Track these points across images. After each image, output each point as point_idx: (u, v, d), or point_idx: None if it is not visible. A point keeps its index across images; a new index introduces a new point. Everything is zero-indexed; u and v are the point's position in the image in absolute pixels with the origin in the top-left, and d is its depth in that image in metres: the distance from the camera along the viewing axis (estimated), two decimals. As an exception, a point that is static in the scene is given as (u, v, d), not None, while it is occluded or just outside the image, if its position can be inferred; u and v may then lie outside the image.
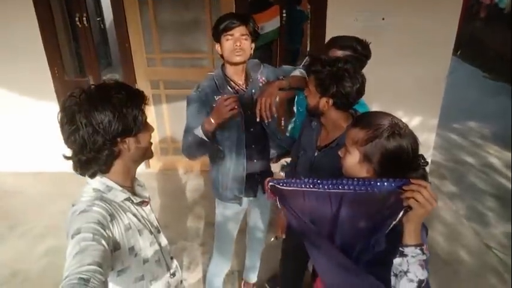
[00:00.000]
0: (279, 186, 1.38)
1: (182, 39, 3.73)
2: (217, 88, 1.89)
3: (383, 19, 3.41)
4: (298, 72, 1.98)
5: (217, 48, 1.88)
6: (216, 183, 2.08)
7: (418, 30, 3.43)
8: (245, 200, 2.13)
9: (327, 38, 3.40)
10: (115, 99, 1.07)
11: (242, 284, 2.71)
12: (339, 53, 1.96)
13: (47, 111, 3.86)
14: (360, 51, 2.01)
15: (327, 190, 1.23)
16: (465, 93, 6.35)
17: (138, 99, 1.14)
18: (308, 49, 3.76)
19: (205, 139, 1.77)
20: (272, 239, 2.19)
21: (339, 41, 2.02)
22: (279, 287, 2.49)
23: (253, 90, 1.93)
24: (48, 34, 3.58)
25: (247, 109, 1.89)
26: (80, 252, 0.94)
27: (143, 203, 1.28)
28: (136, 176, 1.31)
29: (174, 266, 1.45)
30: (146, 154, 1.22)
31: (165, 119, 3.95)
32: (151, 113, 3.87)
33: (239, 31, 1.79)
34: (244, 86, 1.94)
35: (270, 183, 1.40)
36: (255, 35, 1.86)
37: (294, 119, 2.50)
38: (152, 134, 1.24)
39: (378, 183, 1.11)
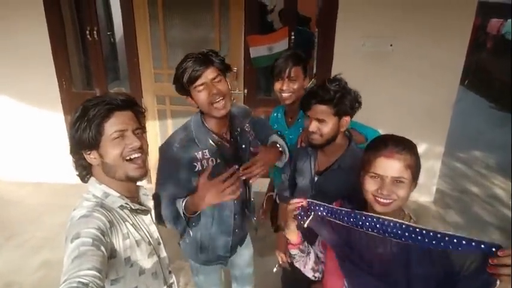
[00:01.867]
0: (318, 213, 1.25)
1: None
2: (196, 144, 1.56)
3: (391, 45, 3.43)
4: (276, 140, 1.74)
5: (189, 101, 1.55)
6: (193, 245, 1.79)
7: (426, 57, 3.44)
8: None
9: (335, 62, 3.47)
10: (90, 113, 1.11)
11: None
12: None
13: (52, 122, 3.88)
14: None
15: (391, 239, 1.08)
16: (471, 122, 6.33)
17: (102, 117, 1.12)
18: (314, 71, 3.76)
19: (184, 218, 1.50)
20: (274, 269, 2.01)
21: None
22: None
23: (243, 146, 1.67)
24: (58, 45, 3.63)
25: (229, 161, 1.60)
26: (78, 256, 0.94)
27: (143, 211, 1.27)
28: (142, 187, 1.33)
29: (172, 280, 1.43)
30: (117, 172, 1.17)
31: (170, 134, 3.94)
32: (155, 128, 3.87)
33: (208, 75, 1.47)
34: (228, 137, 1.66)
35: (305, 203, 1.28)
36: (227, 69, 1.57)
37: None
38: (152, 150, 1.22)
39: (464, 242, 0.95)
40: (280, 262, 2.01)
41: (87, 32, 3.58)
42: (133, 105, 1.22)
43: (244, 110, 1.81)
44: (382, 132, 1.96)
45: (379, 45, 3.42)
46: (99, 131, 1.12)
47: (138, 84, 3.71)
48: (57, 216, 3.55)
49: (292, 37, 3.49)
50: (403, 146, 1.19)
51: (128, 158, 1.17)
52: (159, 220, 1.54)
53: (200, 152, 1.57)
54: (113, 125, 1.14)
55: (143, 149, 1.20)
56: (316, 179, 1.73)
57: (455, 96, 3.61)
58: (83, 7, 3.62)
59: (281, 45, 3.47)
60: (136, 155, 1.18)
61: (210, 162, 1.58)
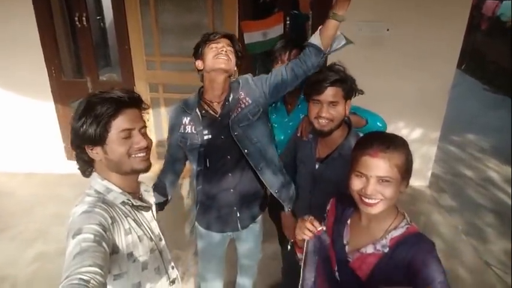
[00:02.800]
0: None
1: (183, 42, 3.67)
2: (183, 109, 1.77)
3: (387, 30, 3.38)
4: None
5: (197, 64, 1.73)
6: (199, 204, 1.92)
7: (423, 42, 3.40)
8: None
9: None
10: (98, 110, 1.10)
11: None
12: None
13: (42, 111, 3.81)
14: None
15: None
16: (465, 105, 6.33)
17: (110, 115, 1.11)
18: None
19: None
20: (289, 247, 2.04)
21: None
22: None
23: (230, 114, 1.72)
24: (47, 33, 3.52)
25: (219, 135, 1.74)
26: (80, 252, 0.93)
27: (144, 207, 1.27)
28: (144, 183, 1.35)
29: (175, 276, 1.43)
30: (122, 167, 1.17)
31: (163, 123, 3.89)
32: (148, 116, 3.80)
33: (225, 41, 1.69)
34: (219, 110, 1.74)
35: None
36: (239, 54, 1.74)
37: None
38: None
39: None
40: (292, 240, 1.99)
41: (76, 18, 3.48)
42: (139, 103, 1.21)
43: (235, 81, 1.81)
44: (379, 113, 1.96)
45: (376, 30, 3.37)
46: (106, 129, 1.11)
47: (130, 71, 3.63)
48: (49, 207, 3.52)
49: (287, 22, 3.42)
50: (390, 144, 1.14)
51: (133, 155, 1.17)
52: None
53: (187, 118, 1.76)
54: (121, 123, 1.13)
55: (148, 148, 1.21)
56: (317, 166, 1.72)
57: (452, 81, 3.59)
58: (70, -8, 3.50)
59: (276, 30, 3.40)
60: (142, 154, 1.19)
61: (191, 129, 1.75)
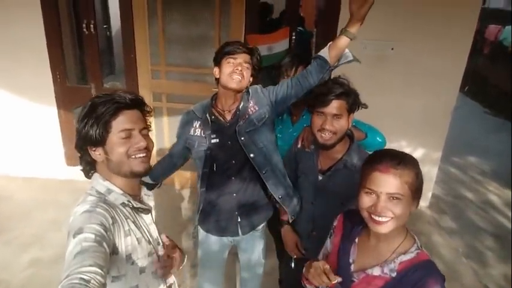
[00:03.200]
0: None
1: (188, 53, 3.70)
2: (195, 114, 1.85)
3: (392, 49, 3.40)
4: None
5: (214, 71, 1.81)
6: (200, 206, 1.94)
7: (427, 63, 3.42)
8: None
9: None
10: (98, 110, 1.12)
11: None
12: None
13: (44, 116, 3.81)
14: None
15: None
16: (466, 127, 6.34)
17: (110, 115, 1.13)
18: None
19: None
20: (292, 264, 1.97)
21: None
22: None
23: (239, 121, 1.79)
24: (53, 37, 3.55)
25: (227, 140, 1.81)
26: (81, 252, 0.94)
27: (144, 210, 1.28)
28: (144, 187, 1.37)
29: (172, 281, 1.41)
30: (122, 169, 1.18)
31: (165, 132, 3.88)
32: (151, 125, 3.80)
33: (243, 57, 1.74)
34: (229, 118, 1.82)
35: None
36: (257, 68, 1.80)
37: None
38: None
39: None
40: (295, 256, 1.94)
41: (84, 25, 3.50)
42: (141, 105, 1.22)
43: (251, 89, 1.87)
44: (382, 131, 1.96)
45: (381, 49, 3.40)
46: (106, 129, 1.13)
47: (134, 80, 3.64)
48: (47, 212, 3.49)
49: (293, 37, 3.45)
50: (400, 160, 1.12)
51: (133, 156, 1.18)
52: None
53: (197, 122, 1.83)
54: (120, 124, 1.14)
55: (148, 149, 1.22)
56: (320, 178, 1.72)
57: (454, 102, 3.60)
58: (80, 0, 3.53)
59: (282, 45, 3.43)
60: (141, 155, 1.19)
61: (200, 133, 1.82)
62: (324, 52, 1.72)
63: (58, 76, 3.66)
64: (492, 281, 3.10)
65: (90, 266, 0.90)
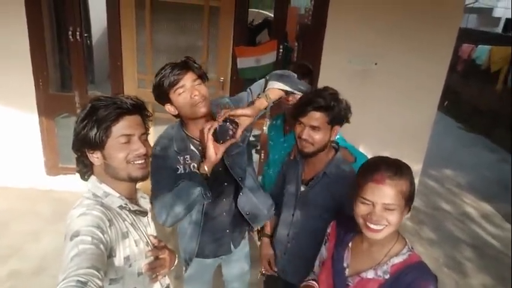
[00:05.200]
0: None
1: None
2: (177, 152, 1.62)
3: (375, 64, 3.51)
4: (268, 85, 1.68)
5: (168, 109, 1.58)
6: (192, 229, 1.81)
7: (408, 78, 3.55)
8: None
9: (321, 78, 3.51)
10: (99, 114, 1.11)
11: None
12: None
13: (25, 123, 3.70)
14: None
15: None
16: (442, 142, 6.55)
17: (111, 120, 1.12)
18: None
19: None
20: (258, 275, 2.03)
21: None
22: None
23: (221, 143, 1.61)
24: (37, 44, 3.48)
25: (216, 166, 1.59)
26: (78, 255, 0.93)
27: (141, 213, 1.27)
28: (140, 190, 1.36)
29: (168, 283, 1.43)
30: (119, 173, 1.17)
31: (151, 141, 3.83)
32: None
33: (189, 78, 1.52)
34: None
35: None
36: (205, 77, 1.60)
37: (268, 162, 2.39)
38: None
39: None
40: (264, 271, 1.97)
41: (70, 32, 3.45)
42: (142, 110, 1.21)
43: (221, 104, 1.70)
44: (364, 150, 1.98)
45: (365, 64, 3.50)
46: (106, 133, 1.12)
47: (120, 89, 3.59)
48: (24, 223, 3.37)
49: (281, 50, 3.50)
50: (396, 170, 1.14)
51: (132, 162, 1.17)
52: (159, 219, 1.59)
53: (181, 158, 1.63)
54: (120, 129, 1.14)
55: (147, 155, 1.21)
56: (302, 188, 1.73)
57: (434, 116, 3.73)
58: (65, 7, 3.48)
59: (269, 57, 3.48)
60: (140, 161, 1.18)
61: (191, 168, 1.63)
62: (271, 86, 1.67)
63: (40, 83, 3.58)
64: (472, 291, 3.19)
65: (88, 268, 0.90)
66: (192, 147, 1.64)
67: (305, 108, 1.58)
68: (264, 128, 2.96)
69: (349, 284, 1.26)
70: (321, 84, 3.13)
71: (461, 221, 4.32)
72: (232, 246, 1.90)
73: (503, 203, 4.71)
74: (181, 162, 1.63)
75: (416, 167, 3.88)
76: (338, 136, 2.04)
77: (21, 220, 3.39)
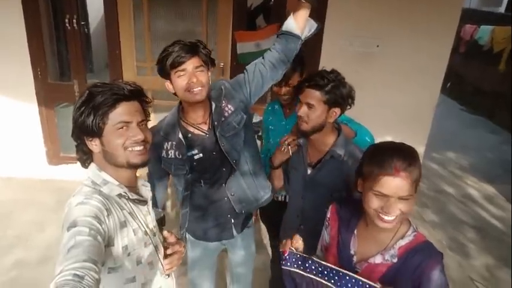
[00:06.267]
0: (292, 269, 1.24)
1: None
2: (163, 137, 1.64)
3: (377, 46, 3.46)
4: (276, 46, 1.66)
5: (167, 86, 1.58)
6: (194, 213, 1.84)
7: (411, 60, 3.50)
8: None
9: (322, 59, 3.47)
10: (96, 100, 1.09)
11: None
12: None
13: (25, 113, 3.69)
14: None
15: None
16: (444, 124, 6.52)
17: (108, 106, 1.10)
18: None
19: None
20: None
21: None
22: None
23: (221, 132, 1.64)
24: (34, 33, 3.46)
25: (211, 151, 1.66)
26: (75, 246, 0.92)
27: (140, 201, 1.25)
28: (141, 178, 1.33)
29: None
30: (118, 160, 1.15)
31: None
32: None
33: (192, 63, 1.50)
34: (206, 127, 1.66)
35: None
36: (211, 63, 1.59)
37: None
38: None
39: None
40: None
41: (67, 20, 3.40)
42: (140, 96, 1.19)
43: (217, 88, 1.68)
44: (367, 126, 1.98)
45: (366, 46, 3.45)
46: (103, 120, 1.10)
47: (119, 77, 3.57)
48: (28, 213, 3.40)
49: (281, 34, 3.45)
50: (410, 161, 1.10)
51: (130, 149, 1.15)
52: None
53: (168, 143, 1.65)
54: (118, 116, 1.11)
55: (146, 141, 1.19)
56: (309, 171, 1.74)
57: (437, 98, 3.70)
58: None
59: (269, 42, 3.42)
60: (138, 148, 1.16)
61: (175, 154, 1.65)
62: (290, 24, 1.64)
63: (39, 72, 3.55)
64: (475, 272, 3.20)
65: (84, 261, 0.89)
66: (179, 135, 1.63)
67: (303, 84, 1.61)
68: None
69: (358, 270, 1.25)
70: (321, 66, 3.11)
71: (463, 203, 4.32)
72: (234, 231, 1.90)
73: (506, 185, 4.71)
74: (165, 147, 1.66)
75: (419, 150, 3.80)
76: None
77: (24, 210, 3.41)
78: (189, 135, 1.65)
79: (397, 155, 1.11)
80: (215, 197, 1.79)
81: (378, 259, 1.21)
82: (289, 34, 1.64)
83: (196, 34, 3.50)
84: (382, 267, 1.21)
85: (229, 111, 1.66)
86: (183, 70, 1.50)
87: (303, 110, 1.60)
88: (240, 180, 1.77)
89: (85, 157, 1.20)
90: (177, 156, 1.65)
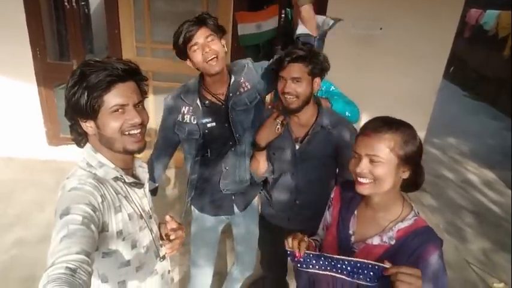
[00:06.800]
0: (303, 269, 1.21)
1: (175, 30, 3.61)
2: (182, 100, 1.72)
3: (381, 29, 3.41)
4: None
5: (188, 64, 1.66)
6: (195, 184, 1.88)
7: (414, 44, 3.46)
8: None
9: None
10: (90, 81, 1.03)
11: None
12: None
13: (25, 94, 3.68)
14: None
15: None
16: (446, 110, 6.50)
17: (102, 89, 1.04)
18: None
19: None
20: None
21: None
22: None
23: (234, 104, 1.71)
24: (33, 12, 3.41)
25: (223, 123, 1.72)
26: (68, 235, 0.89)
27: (136, 184, 1.21)
28: (139, 159, 1.30)
29: (164, 253, 1.37)
30: (114, 145, 1.11)
31: (151, 112, 3.81)
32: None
33: (202, 34, 1.56)
34: (223, 98, 1.72)
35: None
36: (221, 31, 1.63)
37: None
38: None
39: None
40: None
41: (66, 0, 3.36)
42: (135, 75, 1.12)
43: (239, 64, 1.77)
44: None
45: (369, 28, 3.40)
46: (98, 103, 1.04)
47: (118, 57, 3.53)
48: (28, 192, 3.42)
49: (283, 15, 3.41)
50: (389, 126, 1.11)
51: (127, 133, 1.10)
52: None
53: (185, 107, 1.72)
54: (113, 98, 1.05)
55: (143, 124, 1.14)
56: (297, 147, 1.73)
57: (440, 83, 3.67)
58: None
59: (270, 23, 3.39)
60: (135, 131, 1.12)
61: (190, 119, 1.72)
62: (301, 29, 1.71)
63: (38, 52, 3.52)
64: (471, 255, 3.23)
65: (77, 253, 0.86)
66: (198, 101, 1.70)
67: (283, 61, 1.59)
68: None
69: (355, 250, 1.26)
70: (323, 49, 3.07)
71: (463, 188, 4.34)
72: (236, 208, 1.92)
73: (506, 171, 4.71)
74: (182, 111, 1.72)
75: (420, 134, 3.79)
76: (328, 84, 2.04)
77: (24, 190, 3.43)
78: (207, 102, 1.72)
79: (376, 120, 1.15)
80: (217, 169, 1.82)
81: (375, 240, 1.21)
82: (302, 36, 1.71)
83: (196, 14, 3.44)
84: (380, 249, 1.20)
85: (246, 88, 1.73)
86: (195, 44, 1.57)
87: (289, 86, 1.59)
88: (236, 157, 1.81)
89: (80, 137, 1.16)
90: (192, 121, 1.72)
